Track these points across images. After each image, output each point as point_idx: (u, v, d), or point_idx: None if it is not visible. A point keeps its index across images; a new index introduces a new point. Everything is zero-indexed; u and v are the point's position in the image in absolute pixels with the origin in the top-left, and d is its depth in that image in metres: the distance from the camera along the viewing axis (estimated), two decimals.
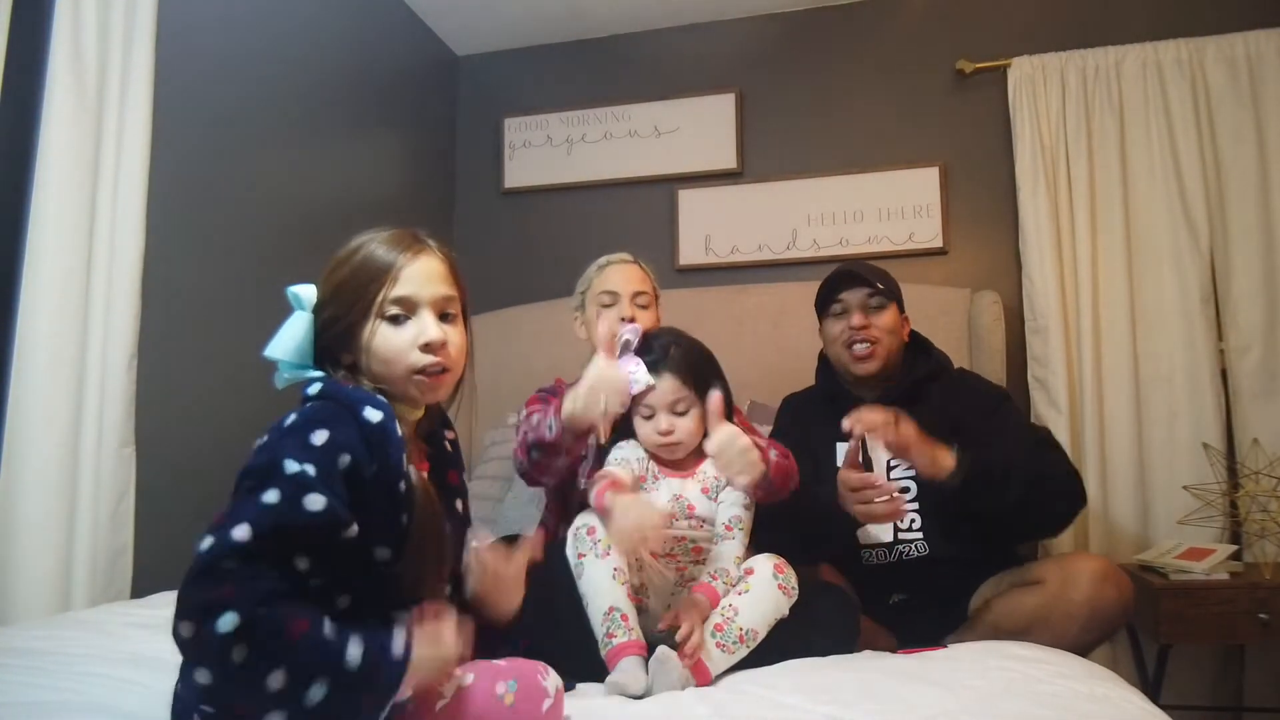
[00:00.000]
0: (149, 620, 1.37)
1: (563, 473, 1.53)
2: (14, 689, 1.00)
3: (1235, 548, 2.08)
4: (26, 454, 1.46)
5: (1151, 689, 1.98)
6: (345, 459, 0.87)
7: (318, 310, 0.98)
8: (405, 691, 0.82)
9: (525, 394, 1.79)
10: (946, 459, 1.51)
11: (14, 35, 1.46)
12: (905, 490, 1.69)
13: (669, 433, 1.40)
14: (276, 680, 0.75)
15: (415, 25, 2.87)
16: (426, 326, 0.97)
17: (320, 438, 0.86)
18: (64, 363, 1.50)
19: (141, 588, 1.63)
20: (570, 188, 2.94)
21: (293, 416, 0.89)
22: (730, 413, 1.56)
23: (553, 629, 1.22)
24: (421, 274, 0.98)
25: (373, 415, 0.90)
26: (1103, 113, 2.44)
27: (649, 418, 1.42)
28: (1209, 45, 2.38)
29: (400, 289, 0.96)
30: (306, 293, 0.98)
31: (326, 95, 2.38)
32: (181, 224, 1.84)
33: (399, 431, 0.92)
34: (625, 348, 1.45)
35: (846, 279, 1.77)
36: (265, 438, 0.89)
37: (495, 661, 0.97)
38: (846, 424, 1.49)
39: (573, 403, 1.37)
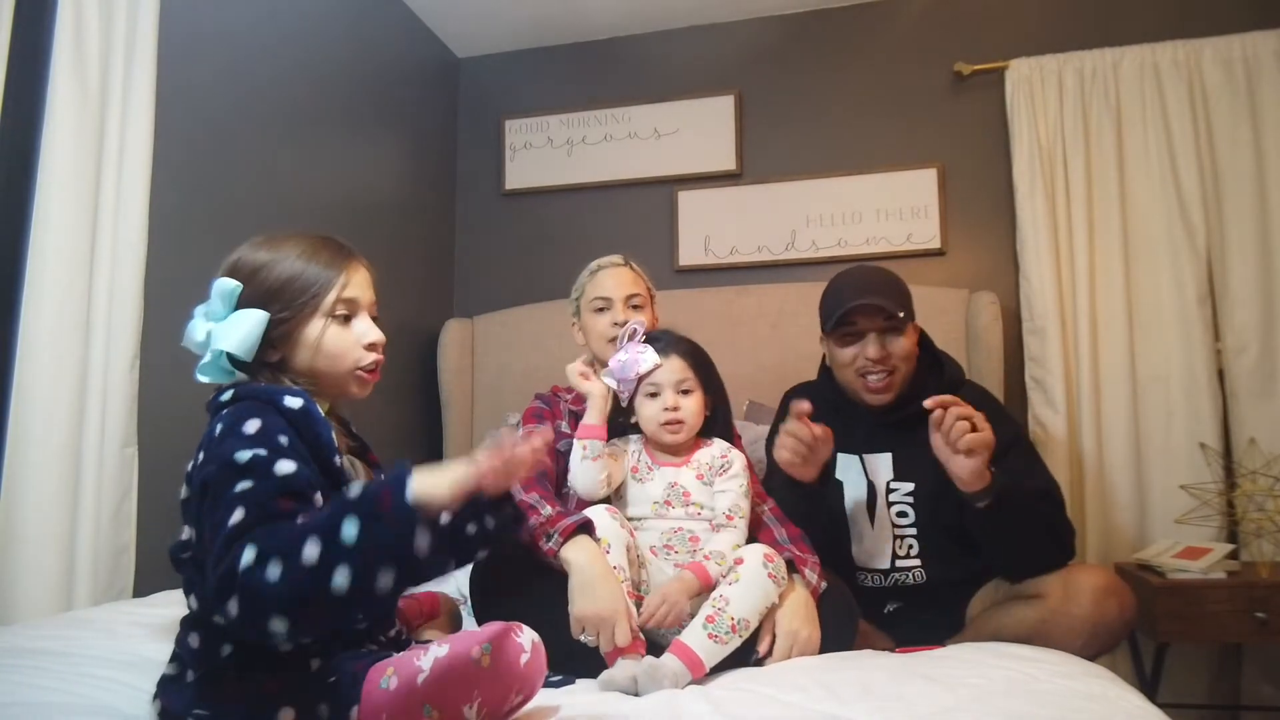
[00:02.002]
0: (151, 619, 1.37)
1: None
2: (17, 689, 1.00)
3: (1232, 547, 2.09)
4: (29, 454, 1.46)
5: (1149, 688, 1.99)
6: (284, 439, 0.92)
7: (251, 306, 1.01)
8: (423, 491, 0.81)
9: (525, 394, 1.80)
10: (984, 475, 1.44)
11: (16, 36, 1.47)
12: (903, 515, 1.65)
13: (675, 409, 1.42)
14: (312, 552, 0.78)
15: (416, 27, 2.88)
16: (370, 328, 1.06)
17: (253, 426, 0.91)
18: (66, 363, 1.50)
19: (143, 587, 1.64)
20: (570, 189, 2.95)
21: (218, 425, 0.93)
22: (729, 426, 1.57)
23: (552, 626, 1.23)
24: (362, 280, 1.08)
25: (293, 402, 0.96)
26: (1100, 114, 2.45)
27: (654, 395, 1.45)
28: (1206, 47, 2.39)
29: (349, 291, 1.05)
30: (234, 288, 1.00)
31: (328, 97, 2.39)
32: (184, 225, 1.85)
33: (321, 412, 0.98)
34: (631, 335, 1.47)
35: (862, 307, 1.61)
36: (200, 455, 0.92)
37: (469, 630, 1.01)
38: (932, 407, 1.42)
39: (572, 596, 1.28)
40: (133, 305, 1.62)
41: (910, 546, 1.64)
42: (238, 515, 0.83)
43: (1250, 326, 2.28)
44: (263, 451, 0.88)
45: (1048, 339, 2.39)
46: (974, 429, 1.40)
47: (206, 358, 1.00)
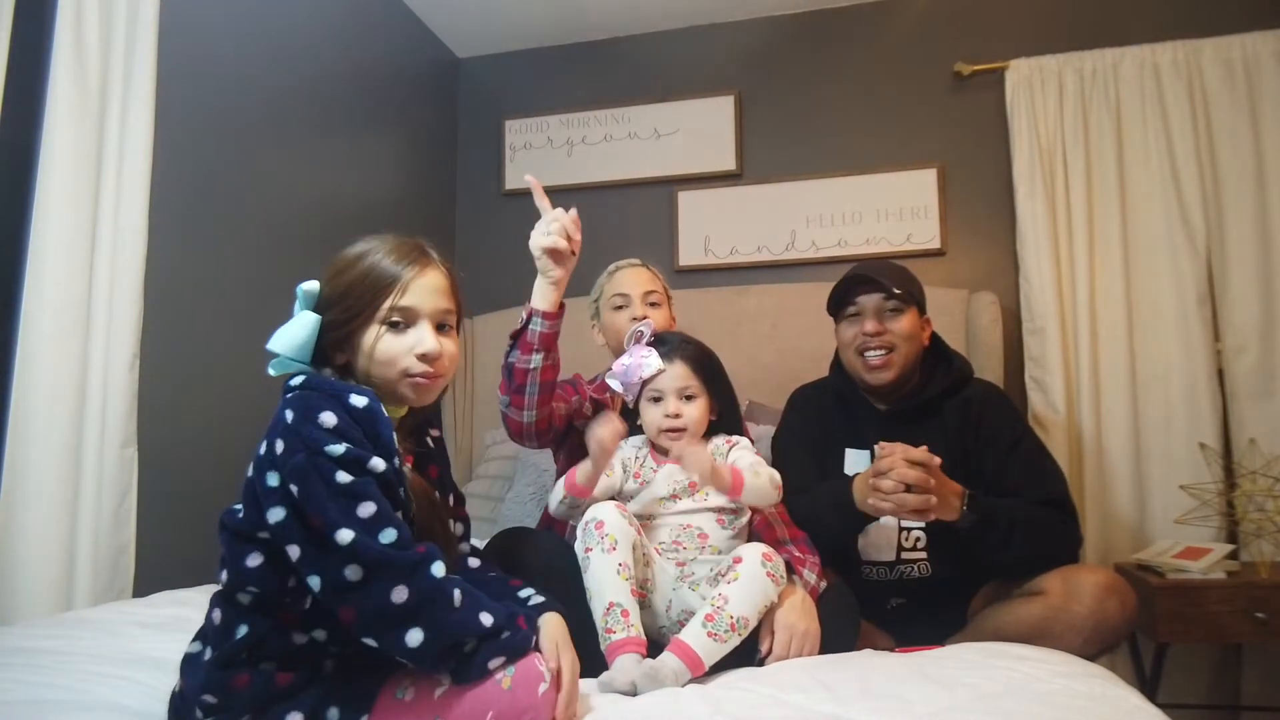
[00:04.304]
0: (151, 619, 1.37)
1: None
2: (17, 688, 1.01)
3: (1232, 547, 2.09)
4: (29, 454, 1.46)
5: (1149, 688, 1.99)
6: (357, 433, 0.93)
7: (321, 309, 1.03)
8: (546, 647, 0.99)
9: None
10: (955, 509, 1.46)
11: (16, 36, 1.47)
12: None
13: (677, 415, 1.43)
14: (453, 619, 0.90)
15: (416, 27, 2.88)
16: (424, 337, 1.04)
17: (331, 420, 0.92)
18: (66, 363, 1.51)
19: (143, 587, 1.64)
20: (570, 189, 2.95)
21: (288, 412, 0.93)
22: (737, 428, 1.57)
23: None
24: (426, 287, 1.05)
25: (359, 400, 0.96)
26: (1100, 114, 2.45)
27: (657, 400, 1.45)
28: (1206, 47, 2.39)
29: (405, 300, 1.03)
30: (312, 289, 1.03)
31: (328, 97, 2.39)
32: (183, 225, 1.85)
33: (385, 412, 0.98)
34: (637, 339, 1.47)
35: (861, 282, 1.67)
36: (279, 442, 0.92)
37: None
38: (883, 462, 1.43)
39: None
40: (133, 305, 1.62)
41: (917, 539, 1.64)
42: (367, 509, 0.89)
43: (1250, 326, 2.28)
44: (351, 446, 0.91)
45: (1048, 339, 2.39)
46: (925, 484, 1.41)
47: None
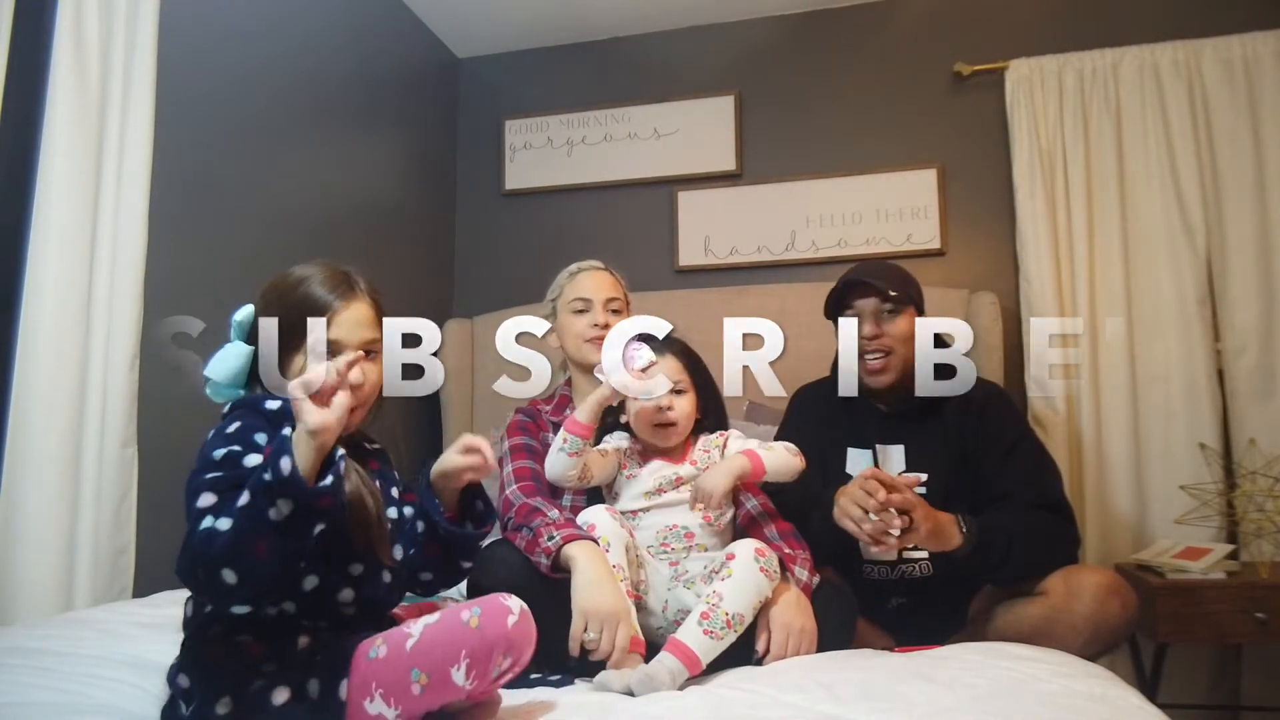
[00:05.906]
0: (151, 619, 1.37)
1: None
2: (17, 689, 1.01)
3: (1232, 547, 2.09)
4: (29, 454, 1.46)
5: (1149, 688, 1.99)
6: (262, 436, 0.97)
7: (253, 335, 1.06)
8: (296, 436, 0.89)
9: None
10: (953, 537, 1.46)
11: (16, 35, 1.47)
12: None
13: (669, 408, 1.42)
14: (244, 497, 0.87)
15: (416, 27, 2.88)
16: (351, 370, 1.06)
17: (233, 426, 0.98)
18: (66, 363, 1.51)
19: (143, 587, 1.64)
20: (570, 189, 2.95)
21: (210, 433, 1.00)
22: (722, 427, 1.57)
23: (552, 626, 1.23)
24: (351, 320, 1.08)
25: (273, 404, 1.02)
26: (1100, 115, 2.45)
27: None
28: (1205, 47, 2.39)
29: (332, 333, 1.05)
30: (244, 319, 1.09)
31: (328, 97, 2.39)
32: (184, 225, 1.85)
33: None
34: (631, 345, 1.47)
35: (857, 286, 1.68)
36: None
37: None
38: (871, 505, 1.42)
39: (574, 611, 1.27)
40: (132, 304, 1.62)
41: None
42: (206, 500, 0.90)
43: (1250, 327, 2.28)
44: (237, 447, 0.95)
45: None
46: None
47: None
